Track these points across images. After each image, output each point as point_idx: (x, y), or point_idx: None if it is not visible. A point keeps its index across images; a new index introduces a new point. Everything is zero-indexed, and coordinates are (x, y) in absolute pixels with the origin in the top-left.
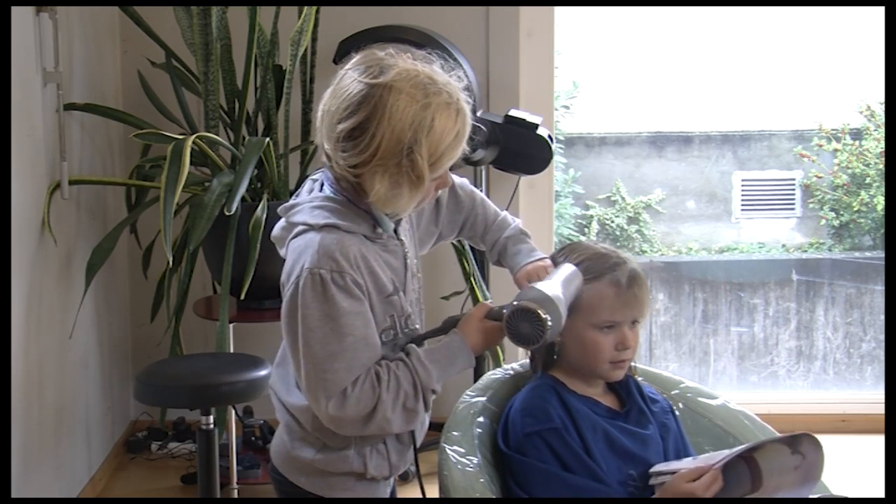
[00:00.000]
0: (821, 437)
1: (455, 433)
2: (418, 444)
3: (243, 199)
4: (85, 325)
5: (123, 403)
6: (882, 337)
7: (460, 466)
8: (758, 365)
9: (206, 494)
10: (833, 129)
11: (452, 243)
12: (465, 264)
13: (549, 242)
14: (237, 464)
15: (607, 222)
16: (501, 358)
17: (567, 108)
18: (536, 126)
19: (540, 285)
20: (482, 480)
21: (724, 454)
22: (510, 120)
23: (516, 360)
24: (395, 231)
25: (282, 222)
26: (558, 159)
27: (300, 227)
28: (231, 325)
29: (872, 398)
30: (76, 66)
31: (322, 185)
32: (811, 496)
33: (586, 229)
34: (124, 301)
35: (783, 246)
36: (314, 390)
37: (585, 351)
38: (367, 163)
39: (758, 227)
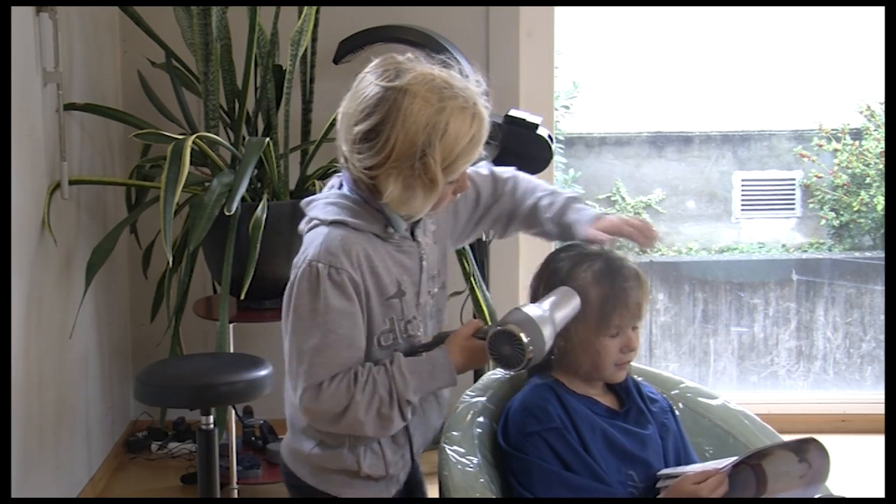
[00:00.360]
0: (821, 437)
1: (455, 433)
2: (422, 448)
3: (243, 199)
4: (85, 325)
5: (123, 403)
6: (882, 337)
7: (460, 466)
8: (758, 365)
9: (206, 494)
10: (833, 129)
11: None
12: (465, 264)
13: (550, 243)
14: (237, 464)
15: None
16: None
17: (567, 108)
18: (536, 126)
19: (526, 308)
20: (482, 480)
21: (732, 460)
22: (510, 120)
23: None
24: (413, 233)
25: (305, 217)
26: (558, 159)
27: (313, 222)
28: (231, 325)
29: (872, 398)
30: (76, 66)
31: (342, 183)
32: (811, 497)
33: None
34: (124, 301)
35: (783, 246)
36: (294, 378)
37: (592, 356)
38: (381, 165)
39: (758, 227)
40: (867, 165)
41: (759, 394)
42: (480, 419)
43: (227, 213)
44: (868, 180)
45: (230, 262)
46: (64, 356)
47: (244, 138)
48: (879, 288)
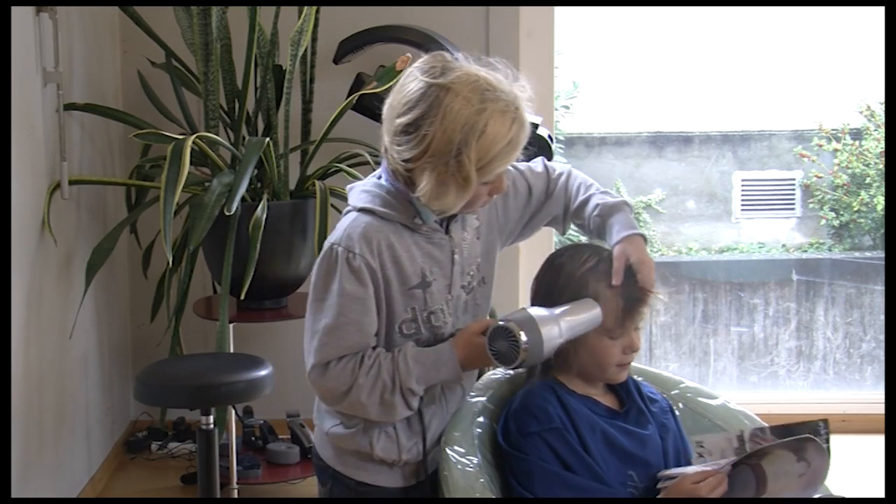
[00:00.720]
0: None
1: (455, 433)
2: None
3: (243, 199)
4: (85, 325)
5: (123, 403)
6: (882, 337)
7: (460, 466)
8: (758, 365)
9: (206, 494)
10: (833, 129)
11: None
12: None
13: (549, 243)
14: (237, 464)
15: None
16: None
17: (567, 108)
18: (536, 126)
19: (533, 308)
20: (482, 480)
21: (731, 459)
22: None
23: None
24: (448, 227)
25: None
26: (558, 159)
27: (348, 207)
28: (231, 325)
29: (872, 398)
30: (76, 66)
31: (381, 174)
32: (811, 497)
33: None
34: (124, 301)
35: (783, 246)
36: (306, 353)
37: (595, 357)
38: (417, 158)
39: (758, 227)
40: (867, 165)
41: (759, 394)
42: (480, 419)
43: (227, 213)
44: (868, 180)
45: (230, 262)
46: (64, 356)
47: (244, 138)
48: (879, 288)
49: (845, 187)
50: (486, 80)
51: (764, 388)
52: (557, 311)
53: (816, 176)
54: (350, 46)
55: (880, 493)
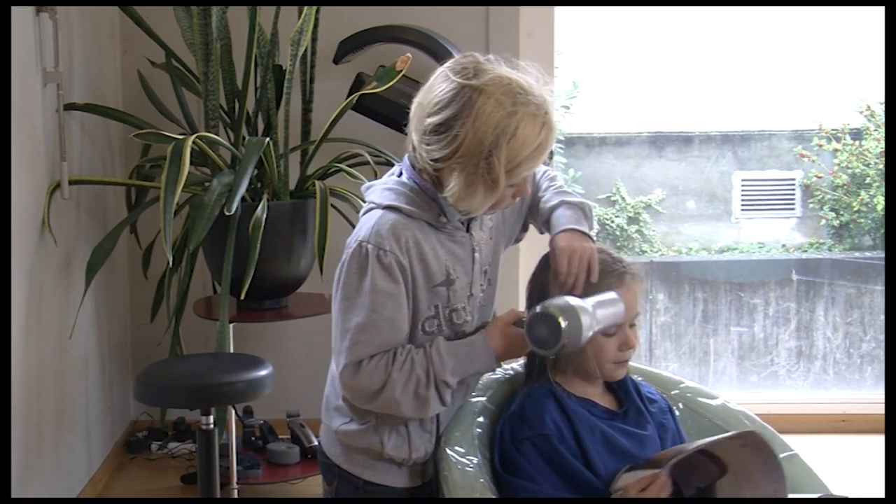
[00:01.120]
0: (821, 437)
1: (455, 433)
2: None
3: (243, 199)
4: (85, 325)
5: (123, 403)
6: (882, 337)
7: (460, 466)
8: (758, 365)
9: (206, 494)
10: (833, 129)
11: None
12: None
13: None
14: (237, 464)
15: (607, 222)
16: None
17: (567, 108)
18: None
19: (570, 298)
20: (482, 480)
21: (670, 463)
22: None
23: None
24: (469, 226)
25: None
26: (558, 159)
27: (370, 205)
28: (231, 325)
29: (872, 398)
30: (76, 66)
31: (401, 171)
32: (811, 496)
33: None
34: (124, 301)
35: (783, 246)
36: (337, 354)
37: (592, 355)
38: (447, 158)
39: (758, 227)
40: (867, 165)
41: (759, 394)
42: (480, 419)
43: (227, 213)
44: (868, 180)
45: (230, 262)
46: (64, 356)
47: (244, 138)
48: (879, 288)
49: (845, 187)
50: (518, 83)
51: (764, 388)
52: (590, 302)
53: (816, 176)
54: (350, 46)
55: (880, 493)
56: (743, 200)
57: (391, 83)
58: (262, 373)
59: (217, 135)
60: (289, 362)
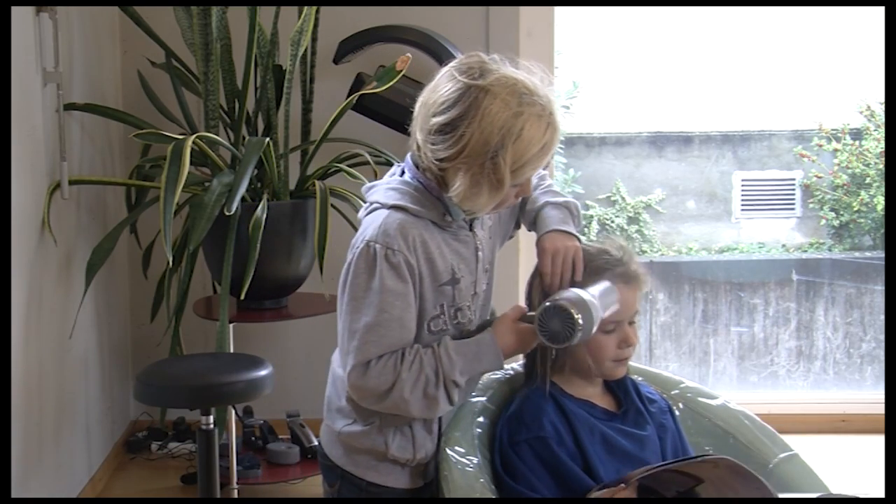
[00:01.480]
0: (821, 437)
1: (455, 433)
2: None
3: (243, 199)
4: (85, 325)
5: (123, 403)
6: (882, 337)
7: (460, 466)
8: (758, 365)
9: (206, 494)
10: (833, 129)
11: None
12: None
13: None
14: (237, 464)
15: (607, 222)
16: None
17: (567, 108)
18: None
19: (576, 290)
20: (482, 480)
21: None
22: None
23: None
24: (471, 225)
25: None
26: (558, 159)
27: (374, 205)
28: (231, 325)
29: (872, 398)
30: (76, 66)
31: (403, 171)
32: (810, 496)
33: (586, 229)
34: (124, 301)
35: (783, 246)
36: (344, 355)
37: (590, 352)
38: (452, 158)
39: (758, 227)
40: (867, 165)
41: (759, 394)
42: (480, 419)
43: (227, 213)
44: (868, 180)
45: (230, 262)
46: (64, 356)
47: (244, 138)
48: (879, 288)
49: (845, 187)
50: (524, 83)
51: (764, 388)
52: (594, 293)
53: (816, 176)
54: (350, 46)
55: (880, 493)
56: (743, 200)
57: (391, 83)
58: (262, 373)
59: (217, 135)
60: (289, 362)
